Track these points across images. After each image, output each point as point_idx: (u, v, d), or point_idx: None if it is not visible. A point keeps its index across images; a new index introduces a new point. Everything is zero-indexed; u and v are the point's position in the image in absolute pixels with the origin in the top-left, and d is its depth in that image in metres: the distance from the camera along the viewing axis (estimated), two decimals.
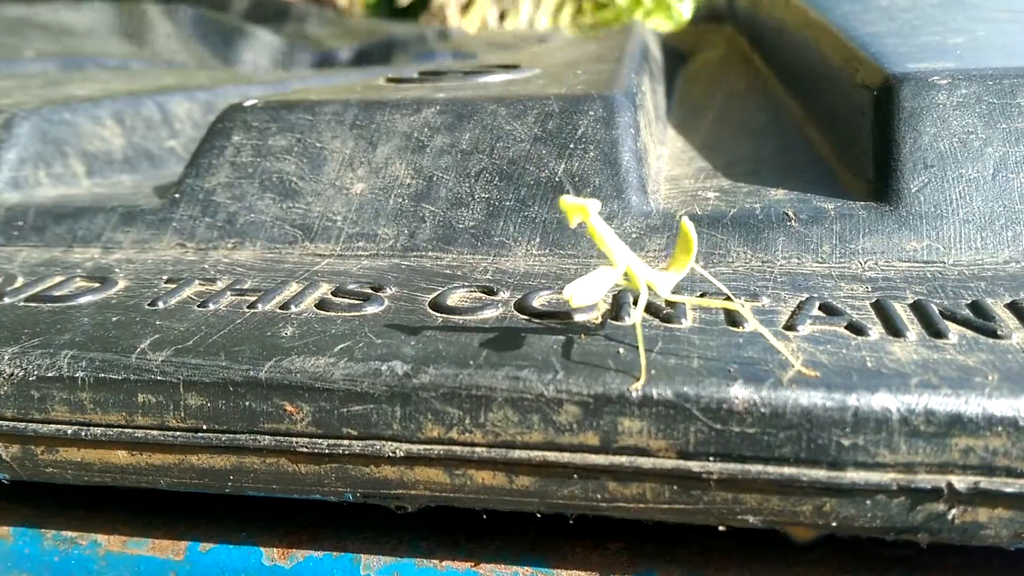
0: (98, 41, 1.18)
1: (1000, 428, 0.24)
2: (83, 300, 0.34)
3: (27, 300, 0.34)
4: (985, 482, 0.24)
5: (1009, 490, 0.24)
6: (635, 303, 0.31)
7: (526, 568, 0.29)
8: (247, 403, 0.28)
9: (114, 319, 0.32)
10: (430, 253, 0.39)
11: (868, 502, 0.25)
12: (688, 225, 0.28)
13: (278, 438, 0.28)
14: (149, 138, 0.59)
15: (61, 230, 0.42)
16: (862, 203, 0.38)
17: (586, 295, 0.26)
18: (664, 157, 0.51)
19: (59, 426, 0.29)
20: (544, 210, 0.39)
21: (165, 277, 0.37)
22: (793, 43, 0.65)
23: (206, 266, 0.38)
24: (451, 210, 0.40)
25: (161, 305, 0.33)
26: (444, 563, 0.29)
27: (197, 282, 0.36)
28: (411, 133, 0.43)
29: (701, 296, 0.33)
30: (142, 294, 0.35)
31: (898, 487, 0.24)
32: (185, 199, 0.42)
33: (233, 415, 0.28)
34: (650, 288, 0.28)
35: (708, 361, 0.27)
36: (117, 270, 0.38)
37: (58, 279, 0.36)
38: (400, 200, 0.41)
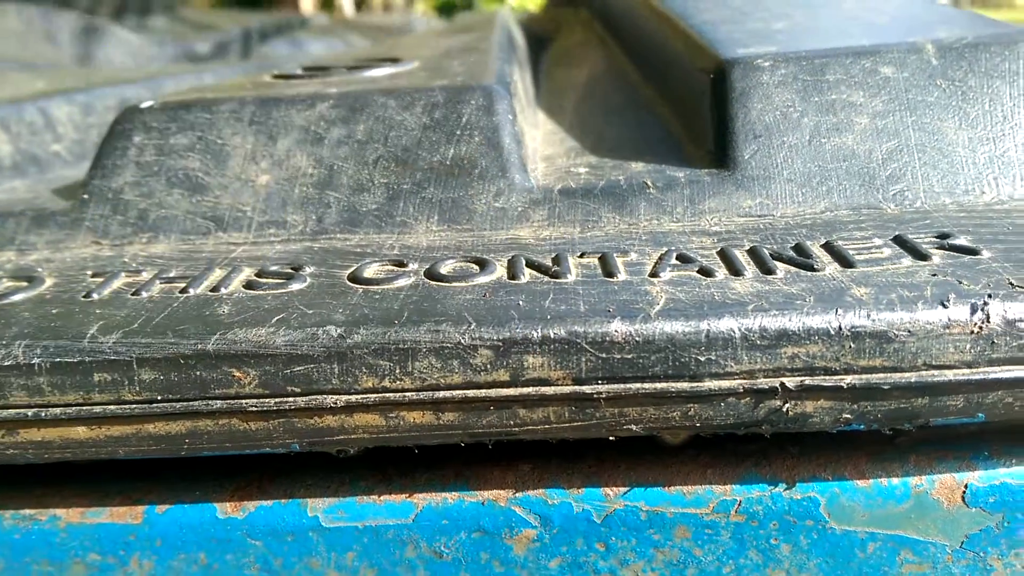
0: None
1: (816, 338, 0.31)
2: (17, 298, 0.36)
3: None
4: (808, 380, 0.31)
5: (827, 384, 0.31)
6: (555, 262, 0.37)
7: (453, 494, 0.34)
8: (198, 373, 0.31)
9: (54, 311, 0.34)
10: (338, 235, 0.43)
11: (722, 404, 0.31)
12: None
13: (228, 401, 0.31)
14: (34, 143, 0.59)
15: None
16: (706, 170, 0.45)
17: None
18: (537, 139, 0.57)
19: (18, 410, 0.31)
20: (439, 191, 0.44)
21: (90, 272, 0.39)
22: (642, 29, 0.72)
23: (126, 259, 0.41)
24: (354, 195, 0.44)
25: (95, 296, 0.36)
26: (382, 497, 0.34)
27: (123, 274, 0.38)
28: (308, 127, 0.47)
29: (580, 256, 0.39)
30: (73, 288, 0.37)
31: (744, 390, 0.31)
32: (94, 199, 0.45)
33: (185, 384, 0.31)
34: None
35: (592, 305, 0.32)
36: (40, 269, 0.40)
37: None
38: (305, 188, 0.45)
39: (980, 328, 0.30)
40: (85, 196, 0.45)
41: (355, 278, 0.37)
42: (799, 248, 0.38)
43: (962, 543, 0.33)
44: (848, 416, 0.32)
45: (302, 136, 0.46)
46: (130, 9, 1.48)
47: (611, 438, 0.32)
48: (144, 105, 0.48)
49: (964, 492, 0.32)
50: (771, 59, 0.47)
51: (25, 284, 0.38)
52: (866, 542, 0.33)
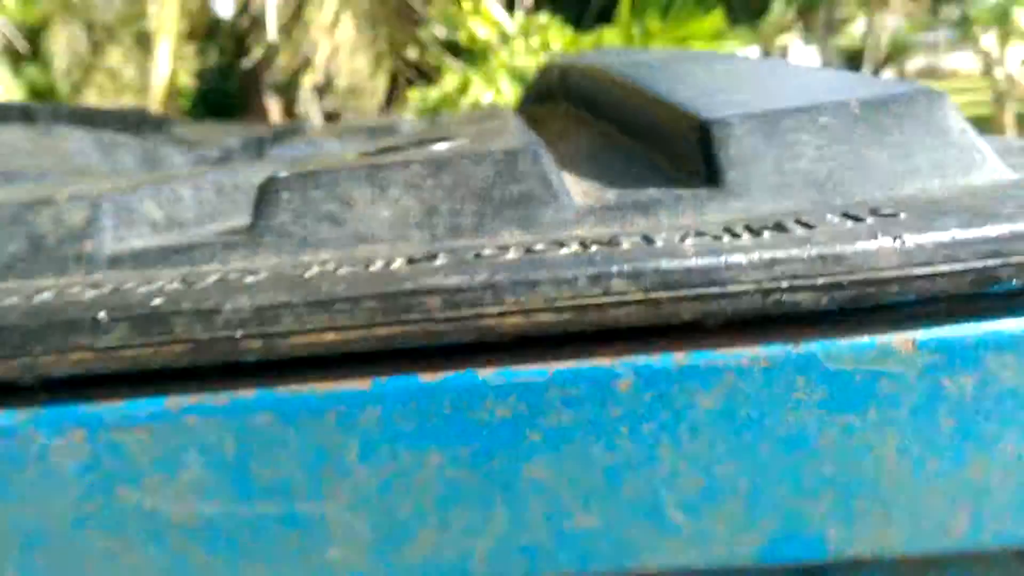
0: None
1: (798, 261, 0.48)
2: (249, 280, 0.52)
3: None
4: (797, 283, 0.48)
5: (807, 284, 0.48)
6: None
7: (572, 361, 0.49)
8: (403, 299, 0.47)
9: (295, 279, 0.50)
10: (447, 242, 0.60)
11: (743, 299, 0.48)
12: None
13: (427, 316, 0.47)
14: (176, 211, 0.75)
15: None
16: (703, 189, 0.63)
17: None
18: None
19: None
20: (513, 212, 0.61)
21: (286, 271, 0.55)
22: (630, 107, 0.91)
23: (305, 261, 0.57)
24: (453, 218, 0.61)
25: (309, 273, 0.52)
26: (529, 365, 0.49)
27: (315, 266, 0.54)
28: (408, 181, 0.64)
29: (627, 237, 0.55)
30: (293, 271, 0.53)
31: (754, 291, 0.48)
32: (268, 233, 0.61)
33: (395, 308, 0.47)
34: None
35: (647, 254, 0.49)
36: (249, 270, 0.56)
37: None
38: (416, 217, 0.61)
39: (902, 246, 0.48)
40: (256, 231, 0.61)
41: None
42: (778, 224, 0.55)
43: (920, 371, 0.49)
44: (824, 302, 0.48)
45: (405, 187, 0.63)
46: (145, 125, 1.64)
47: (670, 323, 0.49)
48: (280, 175, 0.65)
49: (914, 343, 0.49)
50: (739, 117, 0.66)
51: (252, 277, 0.53)
52: (853, 374, 0.49)
